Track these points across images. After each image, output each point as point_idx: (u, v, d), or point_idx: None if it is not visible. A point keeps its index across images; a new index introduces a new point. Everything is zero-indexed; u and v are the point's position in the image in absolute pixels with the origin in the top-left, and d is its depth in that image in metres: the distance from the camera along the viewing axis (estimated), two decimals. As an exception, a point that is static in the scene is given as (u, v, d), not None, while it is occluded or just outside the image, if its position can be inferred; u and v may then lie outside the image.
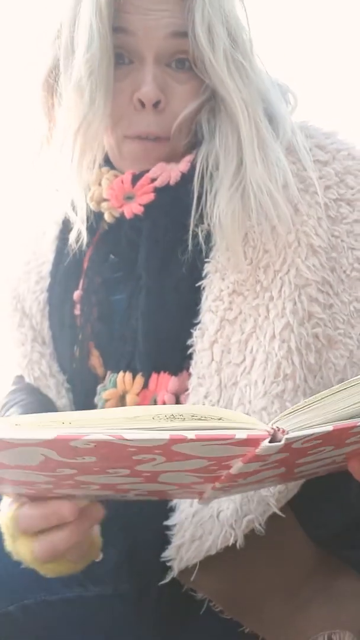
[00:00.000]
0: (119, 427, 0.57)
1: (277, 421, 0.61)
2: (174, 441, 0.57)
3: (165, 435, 0.57)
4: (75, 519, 0.71)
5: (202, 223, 0.89)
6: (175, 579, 0.87)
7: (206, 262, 0.90)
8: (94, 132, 0.88)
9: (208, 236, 0.89)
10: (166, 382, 0.89)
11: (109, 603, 0.92)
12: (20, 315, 1.07)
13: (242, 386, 0.86)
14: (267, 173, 0.86)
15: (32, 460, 0.61)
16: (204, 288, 0.89)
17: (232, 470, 0.65)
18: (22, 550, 0.74)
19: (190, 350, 0.89)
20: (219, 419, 0.59)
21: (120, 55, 0.89)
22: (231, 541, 0.84)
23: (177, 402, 0.89)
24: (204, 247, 0.89)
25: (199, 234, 0.89)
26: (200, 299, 0.90)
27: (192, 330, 0.89)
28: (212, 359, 0.87)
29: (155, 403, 0.89)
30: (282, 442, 0.59)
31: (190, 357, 0.89)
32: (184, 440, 0.57)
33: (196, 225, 0.89)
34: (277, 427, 0.60)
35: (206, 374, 0.87)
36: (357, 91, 1.71)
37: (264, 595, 0.88)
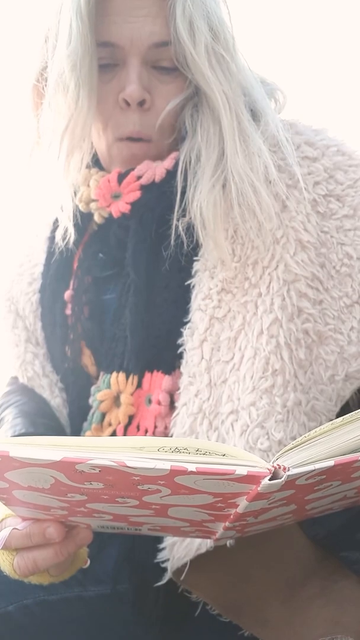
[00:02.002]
0: (124, 455, 0.59)
1: (278, 458, 0.61)
2: (175, 472, 0.58)
3: (167, 465, 0.58)
4: (61, 539, 0.71)
5: (185, 217, 0.89)
6: (174, 580, 0.86)
7: (195, 260, 0.90)
8: (80, 132, 0.89)
9: (194, 232, 0.89)
10: (160, 381, 0.89)
11: (108, 603, 0.92)
12: (14, 317, 1.08)
13: (231, 383, 0.86)
14: (249, 163, 0.86)
15: (42, 482, 0.63)
16: (193, 286, 0.90)
17: (239, 509, 0.65)
18: (2, 562, 0.75)
19: (181, 349, 0.89)
20: (223, 455, 0.60)
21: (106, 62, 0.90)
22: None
23: (172, 400, 0.89)
24: (186, 242, 0.89)
25: (179, 226, 0.89)
26: (190, 298, 0.89)
27: (182, 329, 0.89)
28: (202, 357, 0.87)
29: (150, 402, 0.89)
30: (283, 479, 0.60)
31: (181, 355, 0.89)
32: (184, 472, 0.58)
33: (178, 219, 0.89)
34: (279, 465, 0.60)
35: (196, 373, 0.87)
36: (349, 90, 1.71)
37: (263, 598, 0.87)
